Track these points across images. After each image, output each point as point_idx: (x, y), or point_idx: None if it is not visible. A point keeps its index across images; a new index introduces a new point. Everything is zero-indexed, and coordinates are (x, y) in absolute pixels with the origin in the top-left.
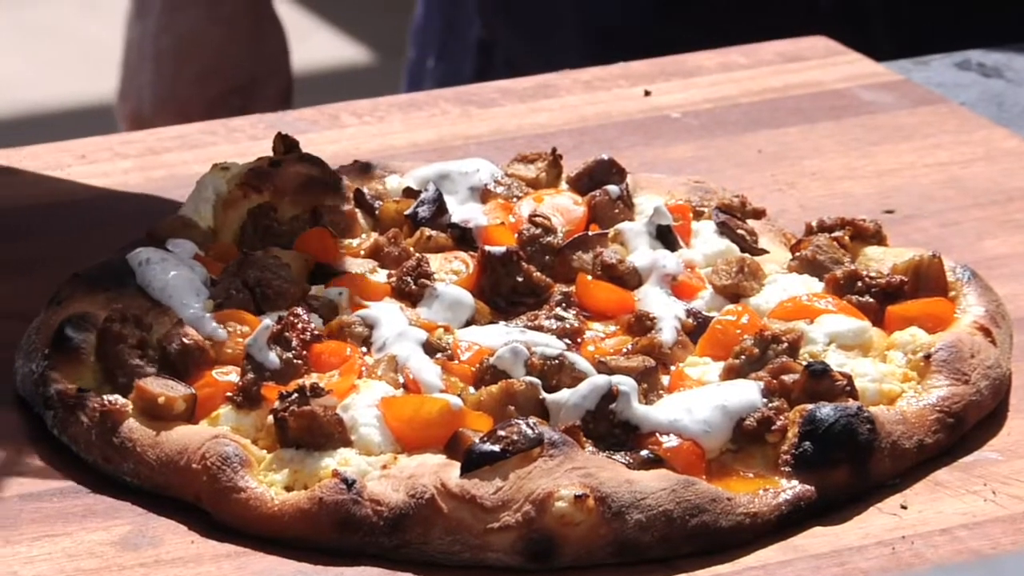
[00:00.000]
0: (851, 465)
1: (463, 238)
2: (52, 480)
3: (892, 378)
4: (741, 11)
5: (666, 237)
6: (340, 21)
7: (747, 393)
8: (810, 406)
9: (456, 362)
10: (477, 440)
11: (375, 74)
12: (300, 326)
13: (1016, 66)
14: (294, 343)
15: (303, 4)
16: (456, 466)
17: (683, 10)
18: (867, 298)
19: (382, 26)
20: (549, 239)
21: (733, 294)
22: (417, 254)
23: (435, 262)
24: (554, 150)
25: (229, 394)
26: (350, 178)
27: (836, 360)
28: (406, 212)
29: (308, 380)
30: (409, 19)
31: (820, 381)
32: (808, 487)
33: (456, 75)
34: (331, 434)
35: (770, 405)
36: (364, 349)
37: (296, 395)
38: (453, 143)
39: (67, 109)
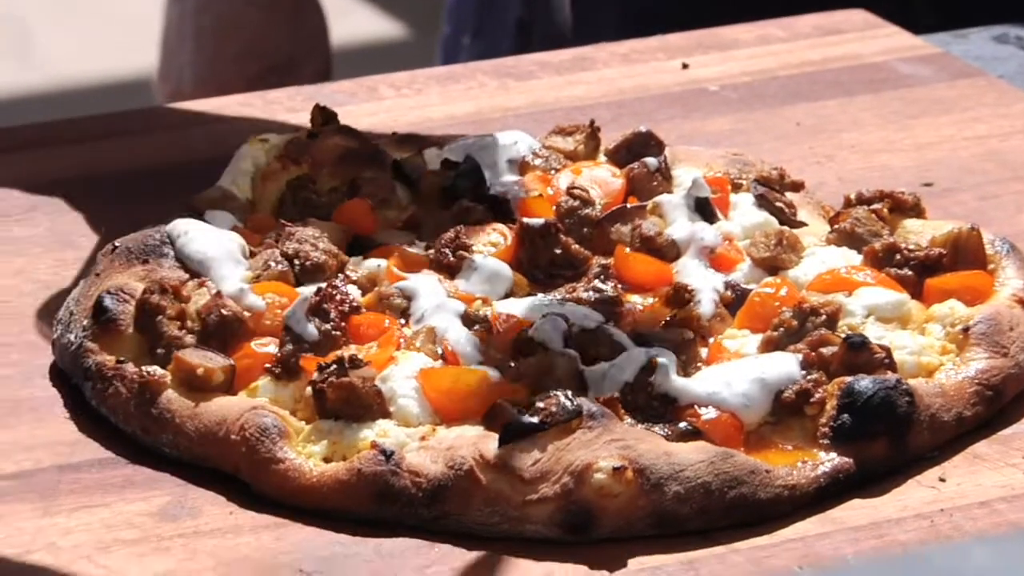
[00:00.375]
0: (889, 438)
1: (501, 210)
2: (90, 451)
3: (931, 351)
4: None
5: (704, 209)
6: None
7: (786, 365)
8: (849, 379)
9: (494, 334)
10: (516, 412)
11: (412, 48)
12: (338, 298)
13: None
14: (332, 315)
15: None
16: (494, 438)
17: None
18: (906, 271)
19: (419, 2)
20: (587, 211)
21: (771, 266)
22: (456, 227)
23: (474, 235)
24: (592, 122)
25: (268, 365)
26: (389, 149)
27: (875, 333)
28: (445, 184)
29: (346, 352)
30: None
31: (859, 354)
32: (847, 459)
33: (493, 53)
34: (369, 405)
35: (808, 377)
36: (402, 321)
37: (335, 366)
38: (491, 115)
39: (108, 83)
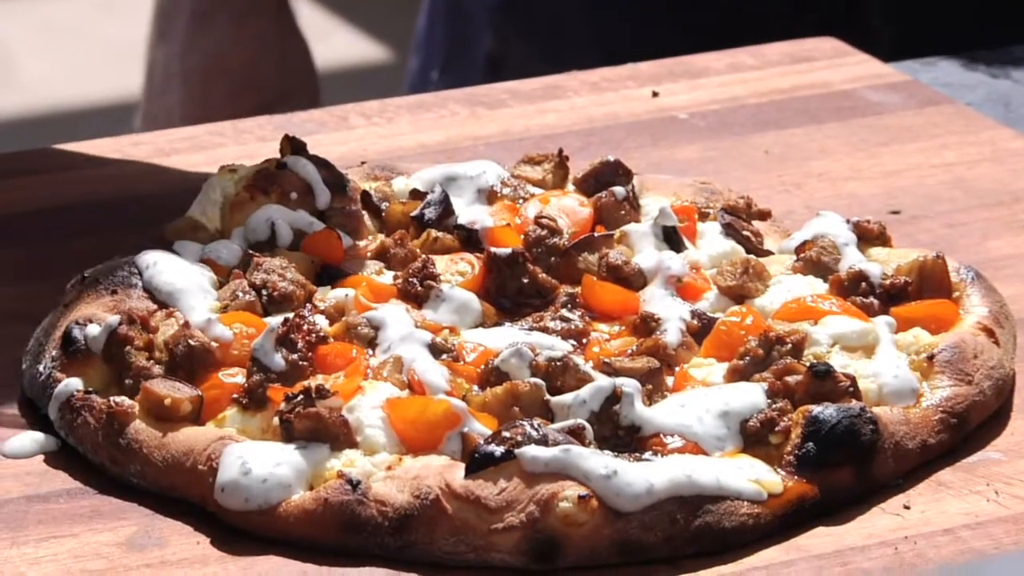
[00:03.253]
0: (854, 466)
1: (469, 239)
2: (59, 482)
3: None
4: (750, 17)
5: (672, 238)
6: (358, 21)
7: (751, 394)
8: (813, 407)
9: (462, 363)
10: (482, 441)
11: (393, 72)
12: (306, 328)
13: (1023, 67)
14: (300, 345)
15: (322, 4)
16: (461, 467)
17: (694, 21)
18: (871, 300)
19: (399, 26)
20: (555, 240)
21: (738, 295)
22: (423, 255)
23: (441, 263)
24: (560, 151)
25: (235, 396)
26: (357, 179)
27: (839, 361)
28: (412, 214)
29: (314, 382)
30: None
31: (823, 382)
32: (811, 487)
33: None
34: (336, 435)
35: (774, 406)
36: (370, 351)
37: (302, 397)
38: (461, 144)
39: (85, 107)
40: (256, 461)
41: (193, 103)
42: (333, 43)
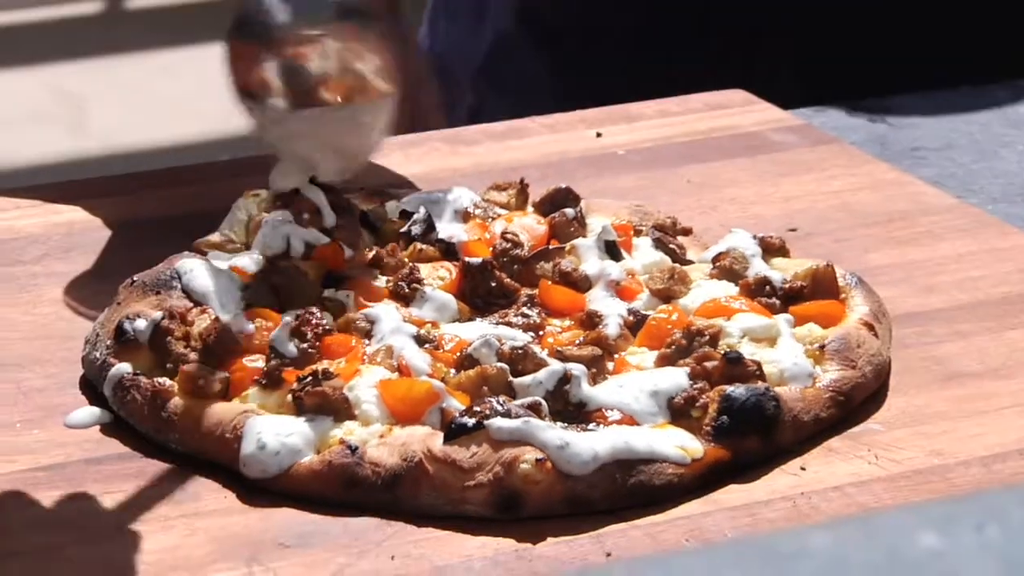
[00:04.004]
0: (760, 435)
1: (448, 251)
2: (112, 448)
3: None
4: (675, 74)
5: (612, 250)
6: None
7: (676, 377)
8: (727, 387)
9: (441, 351)
10: (457, 414)
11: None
12: (314, 322)
13: (896, 113)
14: (309, 336)
15: None
16: (439, 435)
17: (632, 76)
18: (773, 300)
19: None
20: (517, 252)
21: (666, 296)
22: (410, 264)
23: (425, 270)
24: (522, 180)
25: (256, 378)
26: (358, 202)
27: (748, 350)
28: (402, 230)
29: (320, 366)
30: None
31: (735, 367)
32: (725, 452)
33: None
34: (338, 409)
35: (695, 386)
36: (366, 341)
37: (310, 378)
38: (441, 175)
39: (146, 150)
40: (270, 436)
41: None
42: None
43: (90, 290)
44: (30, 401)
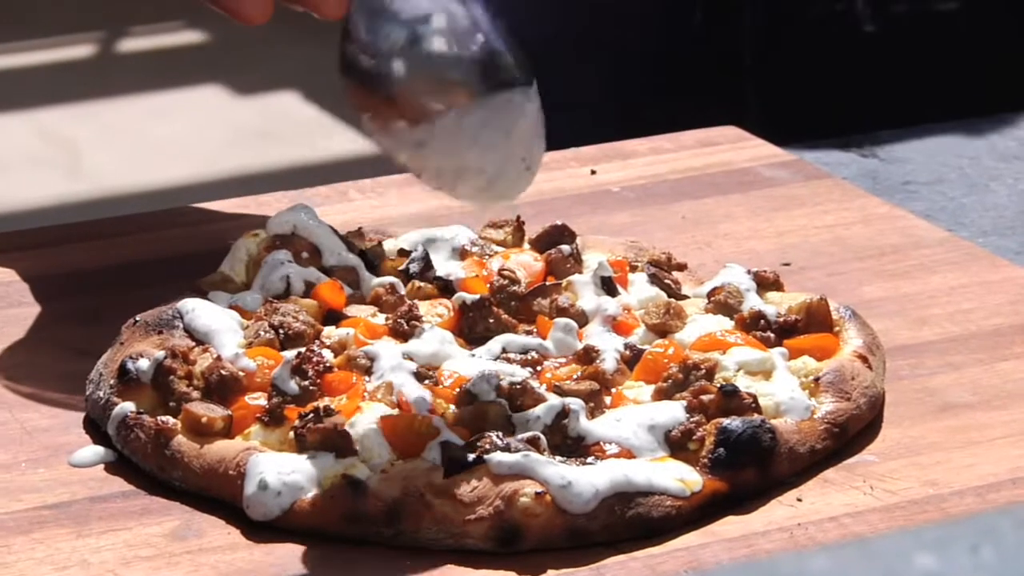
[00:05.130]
0: (756, 467)
1: (446, 288)
2: (116, 486)
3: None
4: (669, 111)
5: (608, 286)
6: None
7: (673, 410)
8: (723, 420)
9: (440, 387)
10: (458, 449)
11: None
12: (315, 360)
13: (887, 148)
14: (310, 373)
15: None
16: (440, 470)
17: (625, 115)
18: (768, 334)
19: None
20: (514, 289)
21: (661, 331)
22: (409, 302)
23: (423, 308)
24: (518, 218)
25: (258, 415)
26: (356, 241)
27: (744, 383)
28: (400, 268)
29: (322, 403)
30: None
31: (731, 400)
32: (722, 484)
33: None
34: (340, 446)
35: (691, 419)
36: (367, 378)
37: (312, 415)
38: (439, 213)
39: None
40: (272, 475)
41: None
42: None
43: (94, 331)
44: (35, 441)
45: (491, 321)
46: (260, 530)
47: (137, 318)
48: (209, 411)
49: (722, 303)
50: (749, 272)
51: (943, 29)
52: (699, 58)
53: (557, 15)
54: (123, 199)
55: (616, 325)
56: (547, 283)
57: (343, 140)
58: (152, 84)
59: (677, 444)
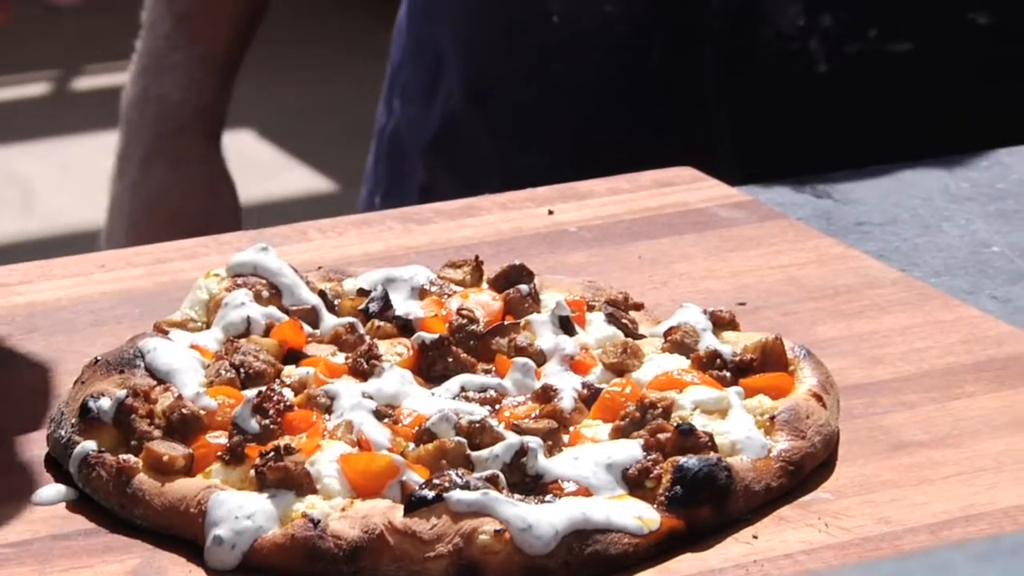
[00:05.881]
0: (713, 504)
1: (405, 328)
2: (78, 524)
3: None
4: (625, 152)
5: (566, 325)
6: (308, 156)
7: (630, 449)
8: (680, 458)
9: (400, 426)
10: (417, 487)
11: (337, 200)
12: (276, 399)
13: (840, 189)
14: (271, 412)
15: (277, 143)
16: (400, 508)
17: (582, 154)
18: (724, 373)
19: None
20: (473, 328)
21: (619, 370)
22: (368, 341)
23: (383, 347)
24: (476, 258)
25: (219, 453)
26: (316, 280)
27: (700, 422)
28: (359, 308)
29: (282, 441)
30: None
31: (688, 438)
32: (679, 522)
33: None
34: (300, 484)
35: (648, 458)
36: (327, 416)
37: (272, 453)
38: (398, 253)
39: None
40: (225, 531)
41: (137, 231)
42: (297, 175)
43: (54, 370)
44: None
45: (450, 360)
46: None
47: (98, 357)
48: (170, 449)
49: (678, 342)
50: (705, 312)
51: (896, 70)
52: (656, 97)
53: (515, 53)
54: (79, 237)
55: (574, 364)
56: (505, 322)
57: (304, 178)
58: (107, 122)
59: (634, 482)
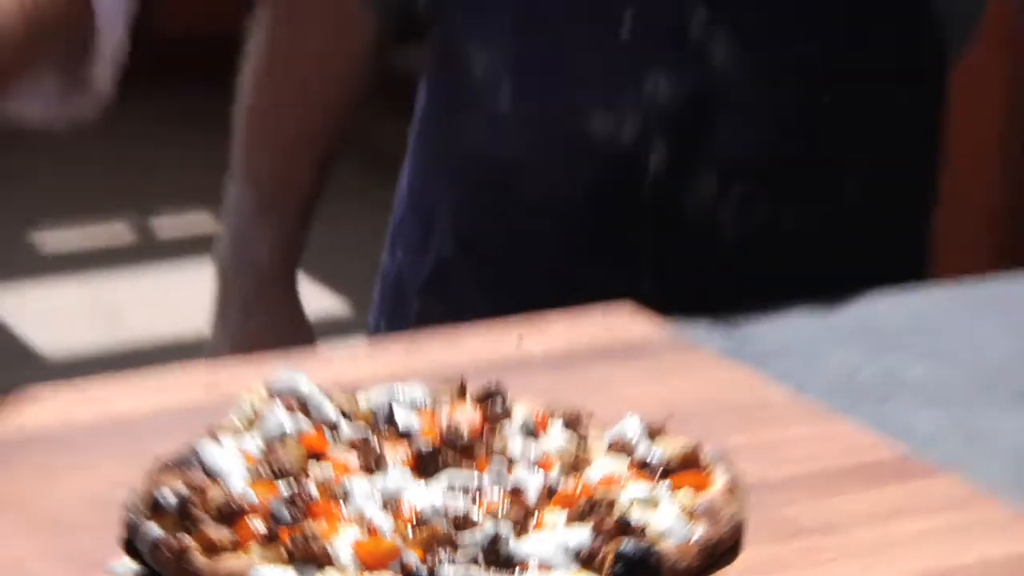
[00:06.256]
0: None
1: (406, 436)
2: None
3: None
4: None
5: (531, 433)
6: (320, 275)
7: (582, 534)
8: (622, 543)
9: (400, 515)
10: (414, 565)
11: (351, 319)
12: (303, 493)
13: (745, 327)
14: (299, 504)
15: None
16: None
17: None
18: (656, 472)
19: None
20: (459, 437)
21: (573, 470)
22: (377, 447)
23: (388, 452)
24: (462, 378)
25: (258, 536)
26: (336, 398)
27: (637, 513)
28: (370, 420)
29: (308, 527)
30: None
31: (626, 527)
32: None
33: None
34: (322, 560)
35: (596, 542)
36: (343, 506)
37: (300, 537)
38: (400, 373)
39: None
40: None
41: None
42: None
43: (132, 468)
44: (82, 557)
45: (440, 462)
46: None
47: (164, 458)
48: (220, 533)
49: (620, 447)
50: (642, 423)
51: (791, 246)
52: (604, 257)
53: (494, 216)
54: (161, 351)
55: (539, 464)
56: (484, 431)
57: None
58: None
59: (586, 561)
